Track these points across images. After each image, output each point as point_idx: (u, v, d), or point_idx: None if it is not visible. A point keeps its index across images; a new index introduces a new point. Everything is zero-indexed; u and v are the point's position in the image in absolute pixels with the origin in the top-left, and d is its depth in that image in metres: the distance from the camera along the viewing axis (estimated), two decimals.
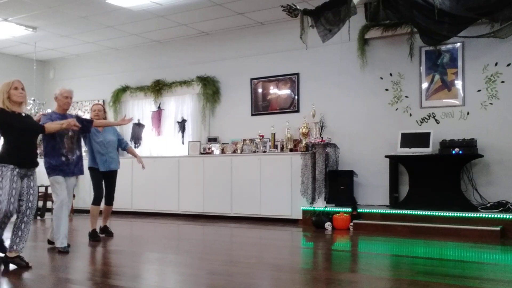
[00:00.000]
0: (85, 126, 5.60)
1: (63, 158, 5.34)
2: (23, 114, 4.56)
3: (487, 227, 6.14)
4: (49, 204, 9.38)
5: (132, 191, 9.42)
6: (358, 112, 8.00)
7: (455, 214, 6.45)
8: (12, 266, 4.39)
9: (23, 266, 4.38)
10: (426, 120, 7.49)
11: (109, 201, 6.47)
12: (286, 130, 8.26)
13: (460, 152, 6.74)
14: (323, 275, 4.29)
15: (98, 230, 6.30)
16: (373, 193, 7.73)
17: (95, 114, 6.32)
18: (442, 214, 6.53)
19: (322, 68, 8.34)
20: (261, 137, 8.44)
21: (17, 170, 4.35)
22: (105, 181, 6.33)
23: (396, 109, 7.73)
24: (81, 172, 5.59)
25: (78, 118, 5.53)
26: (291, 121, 8.30)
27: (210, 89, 9.31)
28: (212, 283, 3.96)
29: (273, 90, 8.86)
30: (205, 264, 4.72)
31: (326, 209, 7.32)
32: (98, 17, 8.50)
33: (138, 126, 10.14)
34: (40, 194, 9.25)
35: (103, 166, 6.24)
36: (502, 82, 7.04)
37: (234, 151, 8.69)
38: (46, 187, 9.11)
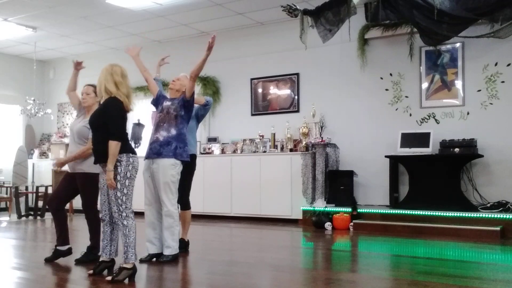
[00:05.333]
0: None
1: (150, 139, 4.60)
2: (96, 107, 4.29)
3: (487, 227, 6.14)
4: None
5: None
6: (358, 112, 7.99)
7: (455, 214, 6.45)
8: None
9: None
10: (426, 120, 7.49)
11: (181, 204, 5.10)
12: (286, 130, 8.26)
13: (460, 152, 6.74)
14: (323, 275, 4.29)
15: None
16: (373, 193, 7.73)
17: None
18: (442, 214, 6.53)
19: (322, 68, 8.34)
20: (261, 137, 8.44)
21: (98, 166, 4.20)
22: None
23: (396, 109, 7.72)
24: (158, 155, 4.57)
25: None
26: (291, 121, 8.30)
27: (210, 89, 9.30)
28: (212, 283, 3.97)
29: (273, 90, 8.86)
30: (205, 264, 4.72)
31: (326, 209, 7.32)
32: (98, 17, 8.50)
33: (138, 126, 10.12)
34: (40, 194, 9.30)
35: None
36: (502, 82, 7.04)
37: (234, 151, 8.68)
38: (46, 187, 9.10)
